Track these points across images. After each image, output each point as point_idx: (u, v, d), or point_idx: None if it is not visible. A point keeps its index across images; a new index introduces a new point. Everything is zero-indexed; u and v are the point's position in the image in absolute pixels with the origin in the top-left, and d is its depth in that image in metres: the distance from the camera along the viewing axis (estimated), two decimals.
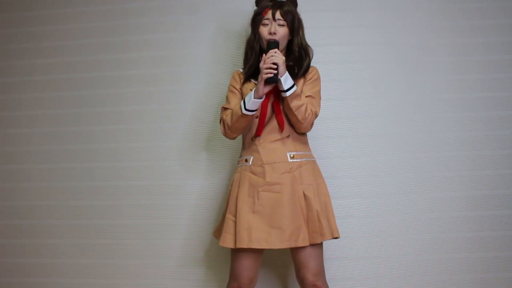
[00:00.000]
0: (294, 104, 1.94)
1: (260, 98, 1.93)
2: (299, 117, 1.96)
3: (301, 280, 1.99)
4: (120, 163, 2.60)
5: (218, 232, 2.13)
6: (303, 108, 1.96)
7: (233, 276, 1.99)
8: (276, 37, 2.00)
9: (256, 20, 2.05)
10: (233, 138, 2.10)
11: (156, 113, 2.61)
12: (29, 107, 2.69)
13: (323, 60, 2.47)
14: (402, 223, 2.48)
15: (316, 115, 2.04)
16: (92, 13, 2.69)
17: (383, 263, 2.46)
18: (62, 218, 2.62)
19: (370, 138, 2.52)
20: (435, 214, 2.48)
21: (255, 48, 2.07)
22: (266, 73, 1.88)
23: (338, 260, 2.46)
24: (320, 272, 1.98)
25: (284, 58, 1.92)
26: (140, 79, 2.63)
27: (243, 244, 1.89)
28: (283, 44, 2.04)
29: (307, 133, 2.12)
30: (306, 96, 2.02)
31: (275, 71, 1.88)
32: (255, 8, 2.10)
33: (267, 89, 1.92)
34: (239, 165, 2.07)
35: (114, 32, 2.67)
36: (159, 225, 2.55)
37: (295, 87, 1.94)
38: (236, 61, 2.53)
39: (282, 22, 2.02)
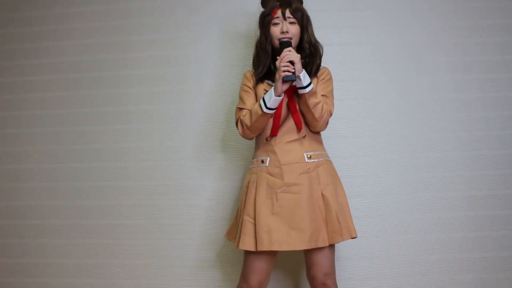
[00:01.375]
0: (311, 101, 1.93)
1: (280, 96, 1.92)
2: (316, 115, 1.95)
3: (311, 278, 1.98)
4: (123, 163, 2.60)
5: (231, 234, 2.11)
6: (320, 106, 1.96)
7: (244, 277, 1.97)
8: (288, 36, 1.99)
9: (266, 21, 2.03)
10: (251, 139, 2.08)
11: (158, 113, 2.60)
12: (30, 107, 2.69)
13: (323, 60, 2.43)
14: (402, 223, 2.48)
15: (331, 114, 2.03)
16: (94, 13, 2.69)
17: (383, 263, 2.46)
18: (63, 218, 2.62)
19: (370, 138, 2.53)
20: (435, 214, 2.48)
21: (267, 50, 2.04)
22: (284, 71, 1.87)
23: (339, 260, 2.45)
24: (331, 271, 1.97)
25: (299, 55, 1.91)
26: (143, 79, 2.63)
27: (264, 247, 1.87)
28: (295, 42, 2.03)
29: (322, 133, 2.12)
30: (320, 95, 2.01)
31: (293, 69, 1.87)
32: (262, 9, 2.08)
33: (285, 87, 1.90)
34: (254, 166, 2.04)
35: (117, 32, 2.67)
36: (160, 225, 2.55)
37: (312, 84, 1.94)
38: (241, 61, 2.53)
39: (292, 20, 2.00)
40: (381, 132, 2.52)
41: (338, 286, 2.02)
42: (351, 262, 2.46)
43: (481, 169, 2.50)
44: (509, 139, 2.51)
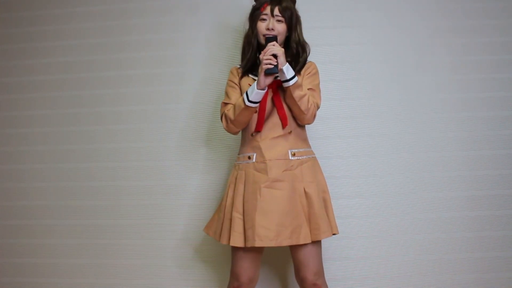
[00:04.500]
0: (296, 94, 1.94)
1: (263, 89, 1.92)
2: (302, 108, 1.95)
3: (301, 280, 1.99)
4: (120, 163, 2.60)
5: (210, 228, 2.11)
6: (306, 98, 1.96)
7: (234, 275, 2.00)
8: (273, 33, 2.00)
9: (254, 16, 2.05)
10: (236, 133, 2.09)
11: (156, 113, 2.60)
12: (28, 107, 2.69)
13: (323, 60, 2.47)
14: (402, 223, 2.48)
15: (318, 107, 2.04)
16: (91, 13, 2.69)
17: (383, 263, 2.46)
18: (62, 218, 2.62)
19: (370, 138, 2.52)
20: (435, 214, 2.48)
21: (252, 43, 2.06)
22: (266, 64, 1.88)
23: (338, 260, 2.46)
24: (320, 271, 1.99)
25: (283, 49, 1.92)
26: (139, 79, 2.63)
27: (248, 243, 1.89)
28: (280, 40, 2.04)
29: (307, 131, 2.12)
30: (307, 89, 2.01)
31: (275, 62, 1.88)
32: (254, 3, 2.09)
33: (268, 80, 1.91)
34: (240, 161, 2.05)
35: (113, 32, 2.67)
36: (159, 225, 2.55)
37: (296, 78, 1.94)
38: (235, 60, 2.53)
39: (280, 18, 2.01)
40: (381, 132, 2.52)
41: (331, 286, 2.02)
42: (351, 262, 2.46)
43: (481, 169, 2.50)
44: (509, 139, 2.51)
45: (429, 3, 2.58)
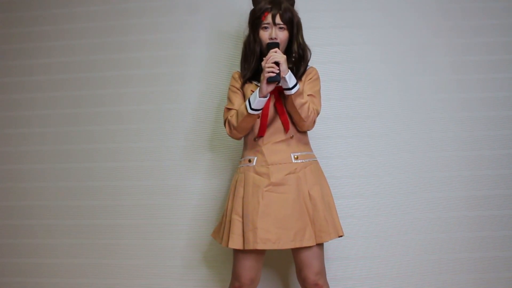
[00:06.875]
0: (298, 102, 1.94)
1: (265, 97, 1.92)
2: (303, 115, 1.95)
3: (302, 280, 1.99)
4: (120, 163, 2.60)
5: (216, 233, 2.12)
6: (306, 106, 1.96)
7: (235, 276, 2.00)
8: (276, 41, 1.98)
9: (255, 24, 2.03)
10: (239, 138, 2.09)
11: (156, 113, 2.60)
12: (27, 107, 2.69)
13: (323, 60, 2.47)
14: (402, 223, 2.48)
15: (318, 113, 2.03)
16: (91, 13, 2.69)
17: (383, 263, 2.46)
18: (62, 218, 2.62)
19: (370, 138, 2.53)
20: (435, 214, 2.48)
21: (255, 51, 2.05)
22: (268, 72, 1.87)
23: (338, 260, 2.46)
24: (322, 271, 1.99)
25: (285, 56, 1.90)
26: (139, 79, 2.63)
27: (249, 246, 1.89)
28: (283, 47, 2.02)
29: (309, 133, 2.12)
30: (307, 95, 2.01)
31: (277, 70, 1.87)
32: (252, 7, 2.06)
33: (270, 88, 1.90)
34: (241, 165, 2.06)
35: (114, 32, 2.67)
36: (159, 225, 2.55)
37: (298, 86, 1.94)
38: (235, 60, 2.53)
39: (282, 25, 2.00)
40: (381, 132, 2.52)
41: (331, 286, 2.02)
42: (351, 262, 2.47)
43: (481, 169, 2.50)
44: (509, 139, 2.51)
45: (429, 3, 2.58)
